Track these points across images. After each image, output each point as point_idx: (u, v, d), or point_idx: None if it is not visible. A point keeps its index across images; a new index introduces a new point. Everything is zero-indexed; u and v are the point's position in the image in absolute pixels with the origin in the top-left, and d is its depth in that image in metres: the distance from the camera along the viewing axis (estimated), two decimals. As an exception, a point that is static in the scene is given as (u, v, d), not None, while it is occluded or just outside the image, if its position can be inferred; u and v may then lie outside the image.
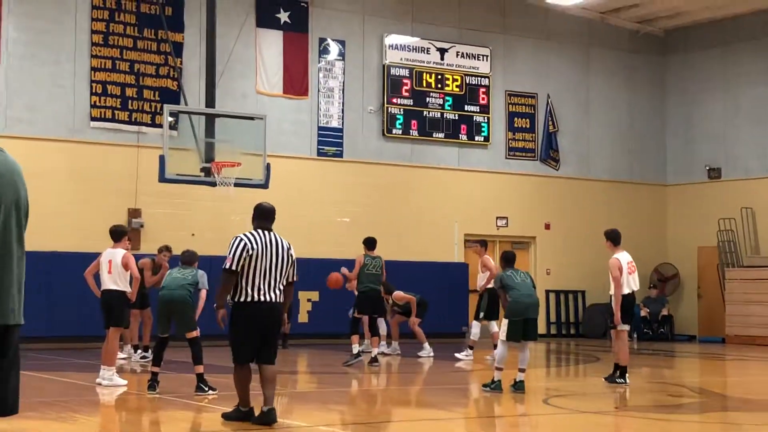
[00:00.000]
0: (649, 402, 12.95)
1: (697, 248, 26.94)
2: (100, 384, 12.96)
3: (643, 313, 25.69)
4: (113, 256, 13.18)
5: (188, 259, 12.86)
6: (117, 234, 13.43)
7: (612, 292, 14.16)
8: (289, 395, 13.05)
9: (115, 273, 13.11)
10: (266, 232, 9.73)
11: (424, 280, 22.43)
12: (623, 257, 14.27)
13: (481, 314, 17.87)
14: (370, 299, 16.76)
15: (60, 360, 17.38)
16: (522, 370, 13.04)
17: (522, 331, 12.96)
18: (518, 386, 12.91)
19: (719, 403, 13.17)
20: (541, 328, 25.82)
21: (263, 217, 9.89)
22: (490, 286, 17.35)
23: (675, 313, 26.83)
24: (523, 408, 12.20)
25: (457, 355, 18.34)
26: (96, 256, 13.61)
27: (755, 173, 25.79)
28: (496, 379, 12.99)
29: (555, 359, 21.31)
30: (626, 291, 14.14)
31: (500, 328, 13.42)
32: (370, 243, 17.05)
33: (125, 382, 13.17)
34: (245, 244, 9.53)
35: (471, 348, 18.35)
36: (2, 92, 20.32)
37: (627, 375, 14.12)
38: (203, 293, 12.72)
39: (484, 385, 13.24)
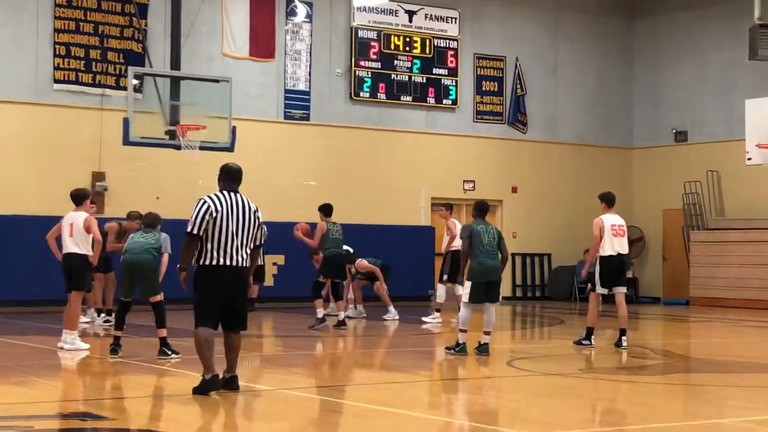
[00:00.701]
0: (613, 364, 13.04)
1: (662, 211, 27.09)
2: (62, 348, 12.89)
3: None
4: (75, 219, 13.07)
5: (151, 221, 12.78)
6: (78, 197, 13.29)
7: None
8: (255, 359, 13.04)
9: (76, 236, 13.00)
10: (232, 194, 9.51)
11: (391, 244, 22.45)
12: (609, 219, 14.20)
13: (445, 276, 17.92)
14: (335, 263, 16.76)
15: (21, 324, 17.27)
16: (487, 333, 13.10)
17: (485, 293, 12.99)
18: (482, 349, 12.98)
19: (682, 365, 13.29)
20: (507, 291, 26.01)
21: (229, 178, 9.66)
22: (453, 248, 17.40)
23: (640, 275, 27.02)
24: (487, 370, 12.26)
25: (424, 318, 18.39)
26: (59, 219, 13.49)
27: (721, 137, 25.88)
28: (460, 342, 13.05)
29: (520, 321, 21.42)
30: (609, 253, 14.07)
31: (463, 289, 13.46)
32: (326, 210, 17.10)
33: (88, 346, 13.10)
34: (209, 206, 9.32)
35: (438, 311, 18.40)
36: (-37, 54, 20.03)
37: (593, 337, 14.21)
38: (165, 257, 12.64)
39: (448, 348, 13.30)
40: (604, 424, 8.76)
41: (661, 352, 14.71)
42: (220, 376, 9.43)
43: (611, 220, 14.25)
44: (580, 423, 8.61)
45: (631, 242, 26.98)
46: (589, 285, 14.66)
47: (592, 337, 14.24)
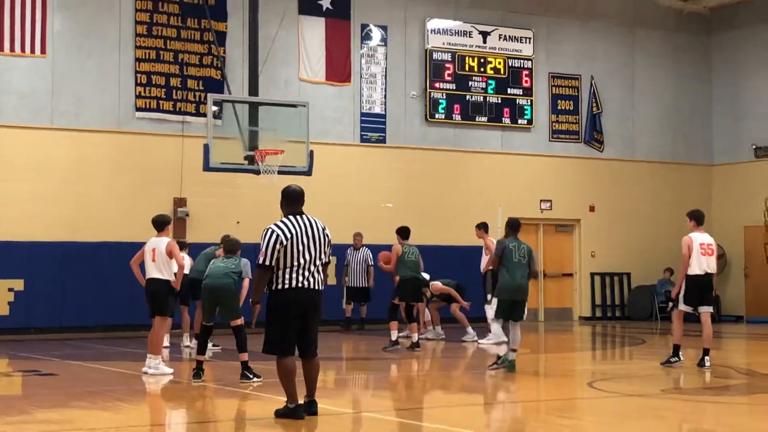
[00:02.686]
0: (696, 384, 12.88)
1: (743, 227, 26.66)
2: (146, 373, 13.12)
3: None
4: (157, 244, 13.32)
5: (231, 247, 12.97)
6: (160, 224, 13.55)
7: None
8: (332, 381, 13.14)
9: (159, 261, 13.24)
10: (298, 217, 9.41)
11: (468, 265, 22.41)
12: (698, 237, 14.08)
13: (489, 296, 17.90)
14: (411, 286, 16.85)
15: (107, 349, 17.62)
16: (513, 350, 13.34)
17: (510, 310, 13.31)
18: (511, 365, 13.19)
19: (767, 385, 13.06)
20: (586, 311, 25.84)
21: (293, 201, 9.51)
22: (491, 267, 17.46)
23: (722, 293, 26.59)
24: (568, 392, 12.19)
25: (480, 341, 18.21)
26: (142, 245, 13.74)
27: (803, 152, 25.45)
28: (500, 355, 13.43)
29: (600, 342, 21.23)
30: (696, 272, 13.96)
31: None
32: (404, 232, 17.19)
33: (171, 370, 13.32)
34: (278, 235, 9.23)
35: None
36: (49, 85, 20.57)
37: (680, 354, 14.06)
38: (246, 282, 12.83)
39: (490, 366, 13.57)
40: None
41: (745, 371, 14.48)
42: (300, 400, 9.48)
43: (700, 238, 14.11)
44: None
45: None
46: (671, 303, 14.52)
47: (680, 353, 14.08)
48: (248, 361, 12.34)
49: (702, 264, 14.00)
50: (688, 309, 14.13)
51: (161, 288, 13.23)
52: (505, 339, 13.36)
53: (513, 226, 13.76)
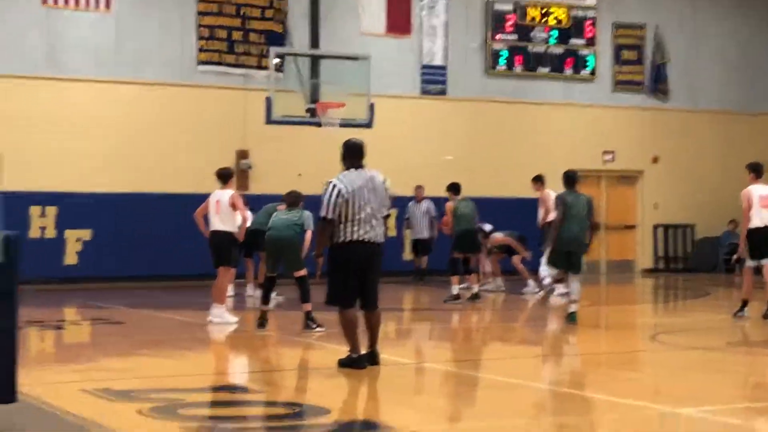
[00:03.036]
0: (762, 338, 12.78)
1: (813, 179, 26.21)
2: (211, 322, 13.33)
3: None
4: (221, 197, 13.47)
5: (293, 200, 13.08)
6: (224, 176, 13.71)
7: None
8: (394, 333, 13.25)
9: (222, 213, 13.40)
10: (360, 170, 9.45)
11: (527, 217, 22.31)
12: (757, 189, 13.88)
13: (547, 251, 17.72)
14: (466, 238, 16.91)
15: (172, 298, 17.91)
16: (573, 302, 13.23)
17: (565, 261, 13.27)
18: (571, 317, 13.10)
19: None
20: (648, 263, 25.66)
21: (354, 154, 9.53)
22: (549, 219, 17.28)
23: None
24: (631, 344, 12.17)
25: (537, 292, 18.06)
26: (206, 197, 13.89)
27: None
28: (572, 311, 13.22)
29: (663, 294, 21.12)
30: (757, 224, 13.78)
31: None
32: (455, 188, 17.25)
33: (236, 319, 13.52)
34: (339, 189, 9.27)
35: (558, 281, 18.21)
36: (112, 38, 20.76)
37: (746, 308, 13.90)
38: (308, 234, 12.92)
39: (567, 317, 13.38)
40: (753, 400, 8.63)
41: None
42: (363, 350, 9.58)
43: (760, 190, 13.90)
44: (728, 398, 8.44)
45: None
46: (735, 256, 14.38)
47: (746, 308, 13.94)
48: (311, 311, 12.47)
49: (763, 216, 13.78)
50: (753, 263, 13.95)
51: (224, 239, 13.40)
52: (548, 280, 13.36)
53: (569, 178, 13.64)
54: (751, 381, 9.67)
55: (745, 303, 14.00)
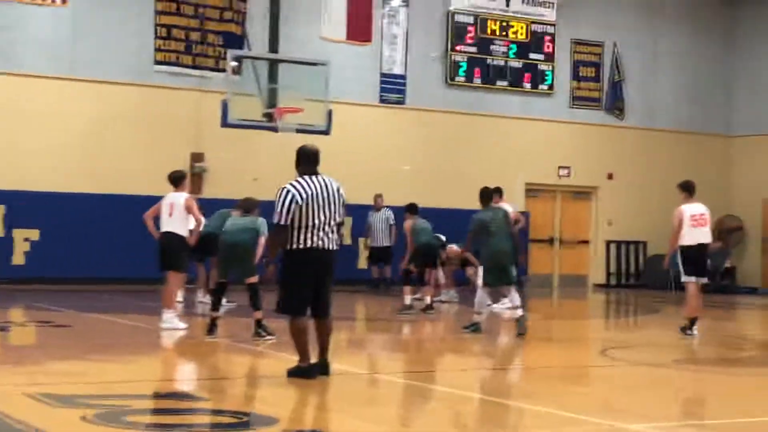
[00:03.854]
0: (709, 355, 12.85)
1: (762, 200, 26.52)
2: (161, 327, 13.14)
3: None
4: (176, 199, 13.31)
5: (249, 206, 12.95)
6: (176, 179, 13.56)
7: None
8: (345, 342, 13.15)
9: (176, 216, 13.24)
10: (314, 177, 9.32)
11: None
12: (690, 208, 14.06)
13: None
14: (427, 251, 16.95)
15: (121, 302, 17.67)
16: (517, 307, 13.51)
17: (497, 277, 13.50)
18: (520, 321, 13.37)
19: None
20: (601, 278, 25.77)
21: (308, 161, 9.39)
22: None
23: (739, 265, 26.50)
24: (580, 359, 12.17)
25: (494, 307, 18.10)
26: (158, 199, 13.72)
27: (825, 124, 25.22)
28: (475, 321, 13.55)
29: (614, 310, 21.20)
30: (689, 243, 13.94)
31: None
32: (413, 209, 17.33)
33: (185, 325, 13.34)
34: (293, 195, 9.15)
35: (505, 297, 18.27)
36: (69, 35, 20.50)
37: (695, 327, 13.96)
38: (262, 240, 12.78)
39: (464, 327, 13.74)
40: (700, 417, 8.65)
41: (758, 343, 14.44)
42: (313, 360, 9.46)
43: (692, 209, 14.09)
44: (673, 415, 8.50)
45: (730, 231, 26.73)
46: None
47: (694, 326, 14.01)
48: (262, 318, 12.34)
49: (695, 235, 13.97)
50: (691, 279, 14.04)
51: (175, 242, 13.24)
52: (481, 310, 13.55)
53: (484, 195, 14.00)
54: (698, 398, 9.69)
55: (692, 320, 14.04)
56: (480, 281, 13.81)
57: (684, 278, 14.08)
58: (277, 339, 11.96)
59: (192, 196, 13.90)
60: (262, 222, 12.78)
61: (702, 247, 14.06)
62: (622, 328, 17.71)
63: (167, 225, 13.29)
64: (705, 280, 14.21)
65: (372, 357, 12.30)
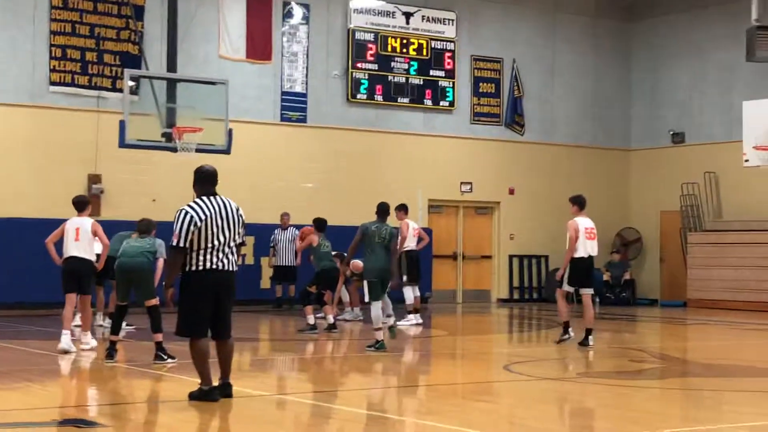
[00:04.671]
0: (610, 368, 13.00)
1: (659, 212, 27.07)
2: (67, 351, 12.84)
3: (605, 277, 25.85)
4: (81, 224, 13.13)
5: (145, 227, 12.78)
6: (80, 204, 13.41)
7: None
8: (248, 363, 13.00)
9: (83, 241, 13.06)
10: (212, 198, 9.23)
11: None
12: (582, 222, 14.65)
13: (404, 278, 17.96)
14: (329, 276, 16.82)
15: (19, 328, 17.22)
16: (389, 316, 14.38)
17: (381, 289, 13.93)
18: (391, 330, 14.25)
19: (680, 368, 13.23)
20: (504, 293, 25.99)
21: (206, 181, 9.30)
22: (406, 248, 17.93)
23: (637, 277, 26.98)
24: (484, 375, 12.21)
25: (399, 323, 18.15)
26: (56, 222, 13.48)
27: (719, 138, 25.85)
28: (379, 340, 13.74)
29: (517, 324, 21.37)
30: (581, 255, 14.49)
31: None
32: (321, 225, 17.08)
33: (74, 349, 13.07)
34: (191, 217, 9.06)
35: (414, 312, 18.33)
36: (-41, 56, 19.98)
37: (570, 330, 14.66)
38: (161, 262, 12.65)
39: (368, 346, 13.87)
40: (602, 431, 8.72)
41: (658, 355, 14.68)
42: (215, 383, 9.34)
43: (584, 223, 14.75)
44: (577, 429, 8.55)
45: (628, 244, 27.23)
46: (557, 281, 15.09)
47: (570, 329, 14.69)
48: (162, 341, 12.15)
49: (586, 247, 14.60)
50: (571, 290, 14.85)
51: (85, 267, 13.05)
52: (380, 326, 13.71)
53: (380, 210, 14.27)
54: (600, 412, 9.77)
55: (567, 325, 14.68)
56: (366, 298, 14.04)
57: (565, 287, 14.67)
58: (178, 362, 11.77)
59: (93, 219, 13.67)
60: (160, 243, 12.61)
61: (592, 259, 14.75)
62: (526, 343, 17.85)
63: (74, 250, 13.06)
64: (591, 291, 14.83)
65: (275, 378, 12.17)
